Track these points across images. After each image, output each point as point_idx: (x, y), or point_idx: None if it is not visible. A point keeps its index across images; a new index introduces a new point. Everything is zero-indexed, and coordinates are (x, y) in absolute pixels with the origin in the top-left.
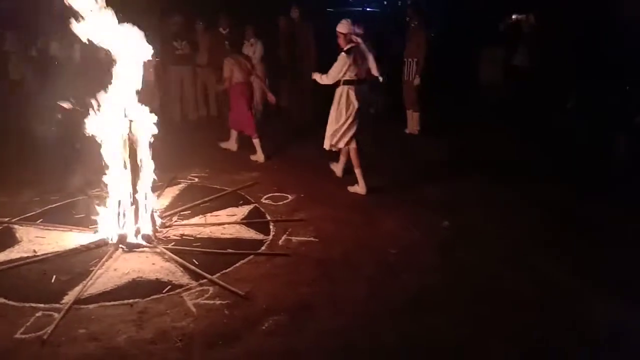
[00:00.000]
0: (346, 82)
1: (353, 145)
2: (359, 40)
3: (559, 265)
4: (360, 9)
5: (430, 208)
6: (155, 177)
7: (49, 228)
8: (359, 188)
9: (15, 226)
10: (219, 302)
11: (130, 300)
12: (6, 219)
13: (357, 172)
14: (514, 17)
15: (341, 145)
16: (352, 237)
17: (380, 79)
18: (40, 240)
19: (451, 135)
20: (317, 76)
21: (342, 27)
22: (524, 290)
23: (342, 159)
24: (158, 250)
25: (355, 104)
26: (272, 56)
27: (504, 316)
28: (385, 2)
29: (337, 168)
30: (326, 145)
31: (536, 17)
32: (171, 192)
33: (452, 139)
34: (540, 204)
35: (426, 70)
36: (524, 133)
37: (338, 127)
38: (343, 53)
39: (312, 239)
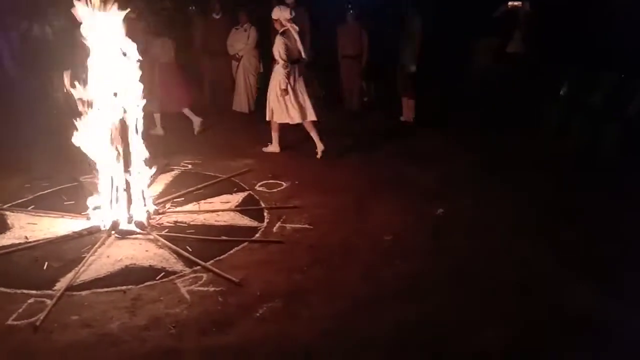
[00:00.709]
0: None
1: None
2: (288, 24)
3: (547, 254)
4: None
5: (423, 195)
6: (148, 164)
7: (41, 214)
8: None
9: (7, 212)
10: (212, 289)
11: (124, 287)
12: None
13: (313, 135)
14: (509, 4)
15: (297, 120)
16: (346, 224)
17: (305, 58)
18: (32, 227)
19: (444, 123)
20: (279, 78)
21: (274, 13)
22: (513, 276)
23: (315, 133)
24: (151, 237)
25: (298, 80)
26: (267, 42)
27: (494, 301)
28: None
29: (319, 146)
30: (276, 120)
31: (531, 4)
32: (164, 178)
33: (446, 126)
34: (530, 193)
35: (421, 58)
36: (515, 121)
37: (293, 101)
38: (279, 35)
39: (306, 225)
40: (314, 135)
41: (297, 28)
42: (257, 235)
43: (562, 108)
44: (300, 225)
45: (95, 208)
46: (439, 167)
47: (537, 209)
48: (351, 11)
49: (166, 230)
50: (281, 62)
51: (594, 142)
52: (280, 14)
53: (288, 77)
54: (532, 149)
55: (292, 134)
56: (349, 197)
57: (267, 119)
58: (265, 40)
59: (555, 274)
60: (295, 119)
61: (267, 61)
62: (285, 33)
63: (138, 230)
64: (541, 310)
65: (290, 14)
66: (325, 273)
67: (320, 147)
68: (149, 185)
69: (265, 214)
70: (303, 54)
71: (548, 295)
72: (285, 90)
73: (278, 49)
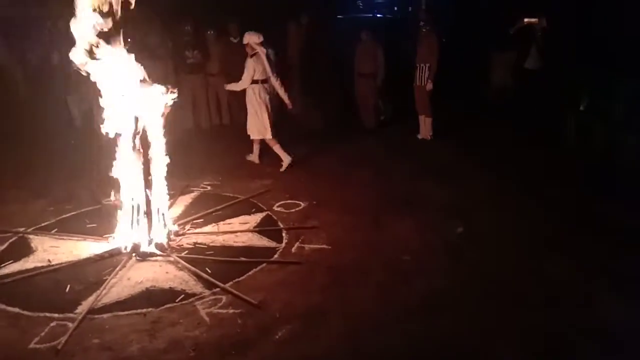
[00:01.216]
0: (255, 82)
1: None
2: (258, 48)
3: (569, 268)
4: (370, 15)
5: (442, 212)
6: (168, 186)
7: (64, 237)
8: (253, 157)
9: (30, 236)
10: (232, 311)
11: (144, 310)
12: (21, 229)
13: (277, 147)
14: (525, 20)
15: (269, 136)
16: (364, 243)
17: (275, 80)
18: (55, 250)
19: (462, 139)
20: (232, 86)
21: (245, 38)
22: (535, 293)
23: (257, 147)
24: (171, 259)
25: (266, 98)
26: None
27: (514, 319)
28: (395, 8)
29: (254, 157)
30: (257, 136)
31: (548, 20)
32: (184, 200)
33: (464, 143)
34: (551, 207)
35: (438, 75)
36: (535, 136)
37: (263, 119)
38: (249, 58)
39: (324, 246)
40: (277, 149)
41: (264, 51)
42: (276, 256)
43: (582, 120)
44: (318, 246)
45: (116, 231)
46: (457, 183)
47: (558, 223)
48: (367, 32)
49: (186, 252)
50: (240, 85)
51: (614, 153)
52: (250, 39)
53: (259, 96)
54: (552, 163)
55: (312, 153)
56: (367, 216)
57: (251, 137)
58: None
59: (581, 289)
60: (270, 133)
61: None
62: (255, 56)
63: (158, 252)
64: (567, 326)
65: (259, 38)
66: (344, 294)
67: (286, 160)
68: (169, 207)
69: (283, 234)
70: (271, 75)
71: (572, 311)
72: (261, 108)
73: (249, 70)
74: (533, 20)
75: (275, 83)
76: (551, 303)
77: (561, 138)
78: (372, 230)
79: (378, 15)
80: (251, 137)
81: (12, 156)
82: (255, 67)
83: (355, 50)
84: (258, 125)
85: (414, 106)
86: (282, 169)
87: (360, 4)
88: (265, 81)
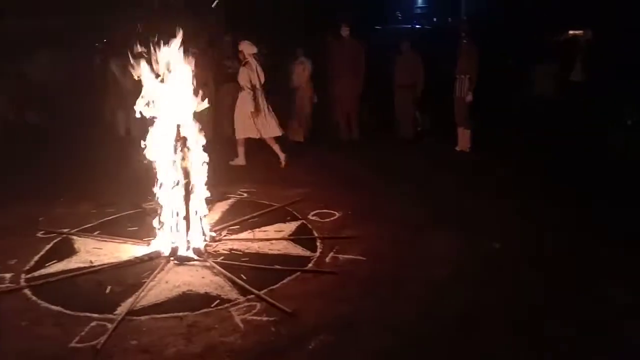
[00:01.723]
0: (253, 88)
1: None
2: (250, 57)
3: (618, 286)
4: (409, 26)
5: (480, 227)
6: (207, 192)
7: (106, 239)
8: (239, 161)
9: (74, 237)
10: (266, 318)
11: (180, 314)
12: (65, 230)
13: (275, 148)
14: (570, 32)
15: (263, 135)
16: (400, 256)
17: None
18: (97, 251)
19: (503, 152)
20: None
21: (241, 46)
22: (584, 313)
23: (277, 146)
24: (208, 264)
25: (261, 102)
26: (321, 74)
27: (559, 337)
28: (434, 19)
29: (281, 156)
30: (242, 135)
31: (593, 32)
32: (221, 207)
33: (504, 155)
34: (597, 225)
35: (478, 87)
36: (579, 150)
37: (260, 120)
38: (242, 67)
39: (359, 257)
40: (276, 148)
41: (255, 61)
42: (310, 265)
43: (628, 134)
44: (353, 257)
45: (156, 234)
46: (497, 198)
47: (605, 240)
48: (407, 43)
49: (222, 258)
50: (246, 89)
51: None
52: (245, 48)
53: (254, 100)
54: (596, 178)
55: (348, 163)
56: (403, 228)
57: (237, 137)
58: (321, 72)
59: (628, 306)
60: (262, 134)
61: (320, 92)
62: (247, 64)
63: (195, 257)
64: (614, 350)
65: (253, 49)
66: (378, 306)
67: (282, 156)
68: (207, 213)
69: (318, 243)
70: (261, 81)
71: (626, 332)
72: (255, 112)
73: (243, 77)
74: (578, 32)
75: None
76: (602, 324)
77: (607, 152)
78: (408, 243)
79: (417, 26)
80: (237, 137)
81: (62, 162)
82: (250, 74)
83: (394, 61)
84: (245, 125)
85: (452, 118)
86: (232, 163)
87: (399, 15)
88: (256, 87)
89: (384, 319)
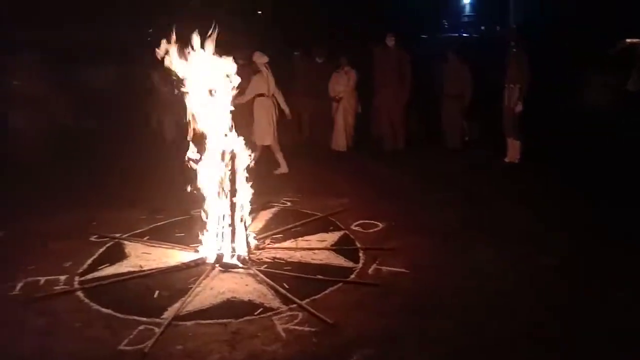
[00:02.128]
0: (260, 95)
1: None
2: (262, 67)
3: None
4: (457, 34)
5: (531, 242)
6: (251, 201)
7: (155, 245)
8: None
9: (125, 242)
10: (307, 328)
11: (225, 320)
12: (117, 235)
13: (279, 155)
14: (627, 41)
15: (270, 142)
16: (445, 269)
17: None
18: (146, 256)
19: (554, 164)
20: (239, 99)
21: (254, 57)
22: (629, 334)
23: (280, 154)
24: (251, 271)
25: (271, 109)
26: (367, 84)
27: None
28: (482, 27)
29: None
30: (266, 142)
31: None
32: (265, 215)
33: (555, 168)
34: None
35: (528, 96)
36: (633, 165)
37: (271, 128)
38: (254, 76)
39: (402, 269)
40: (256, 155)
41: (266, 70)
42: (352, 276)
43: None
44: (396, 269)
45: (202, 241)
46: (549, 211)
47: None
48: (454, 52)
49: (265, 266)
50: (243, 98)
51: None
52: (258, 59)
53: (268, 106)
54: None
55: (393, 173)
56: (448, 241)
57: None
58: (365, 82)
59: None
60: (273, 140)
61: (365, 102)
62: (259, 73)
63: (240, 264)
64: None
65: (265, 59)
66: (422, 321)
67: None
68: (251, 221)
69: (360, 254)
70: (271, 89)
71: None
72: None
73: (255, 86)
74: (636, 40)
75: (279, 97)
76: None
77: None
78: (453, 256)
79: (464, 35)
80: (257, 144)
81: (115, 168)
82: (260, 83)
83: (441, 70)
84: (264, 132)
85: (501, 128)
86: (276, 172)
87: (446, 24)
88: (264, 95)
89: (428, 334)
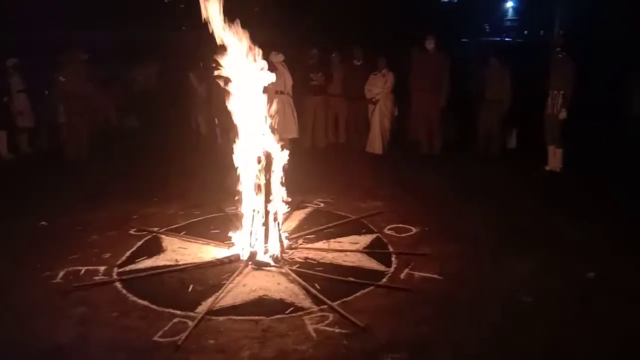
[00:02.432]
0: (279, 92)
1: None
2: (279, 65)
3: None
4: (498, 38)
5: (570, 252)
6: (285, 200)
7: (190, 240)
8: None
9: (162, 236)
10: (338, 330)
11: (256, 317)
12: (155, 229)
13: None
14: None
15: (296, 134)
16: (479, 278)
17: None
18: (182, 251)
19: (597, 172)
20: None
21: (270, 57)
22: None
23: None
24: (283, 270)
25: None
26: (403, 87)
27: None
28: (525, 32)
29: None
30: (292, 135)
31: None
32: (298, 215)
33: (599, 177)
34: None
35: (573, 103)
36: None
37: (294, 121)
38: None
39: (435, 275)
40: None
41: (283, 68)
42: (384, 280)
43: None
44: (429, 275)
45: (236, 238)
46: (590, 221)
47: None
48: (496, 56)
49: (297, 266)
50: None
51: None
52: (274, 58)
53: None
54: None
55: (427, 178)
56: (483, 249)
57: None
58: (403, 85)
59: None
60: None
61: (402, 105)
62: (276, 71)
63: (272, 263)
64: None
65: (281, 58)
66: (455, 330)
67: None
68: (284, 221)
69: (393, 258)
70: (288, 86)
71: None
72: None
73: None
74: None
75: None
76: None
77: None
78: (488, 265)
79: (507, 39)
80: (283, 137)
81: (155, 164)
82: (277, 81)
83: (480, 75)
84: (288, 125)
85: (541, 135)
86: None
87: (487, 27)
88: (282, 92)
89: (460, 343)
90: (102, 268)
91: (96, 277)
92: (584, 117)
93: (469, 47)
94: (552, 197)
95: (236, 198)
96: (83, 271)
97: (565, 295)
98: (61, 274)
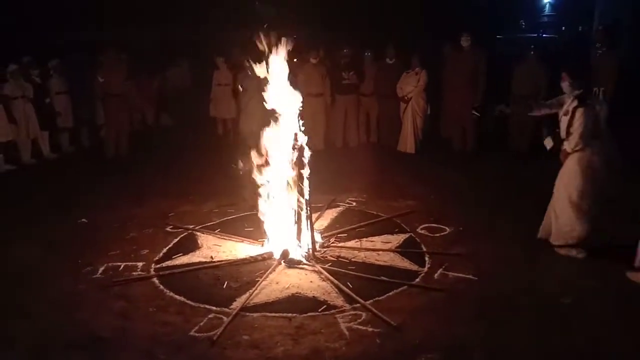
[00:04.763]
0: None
1: None
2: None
3: None
4: (535, 35)
5: (611, 255)
6: (317, 199)
7: (225, 237)
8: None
9: (198, 233)
10: (371, 329)
11: (289, 314)
12: (191, 226)
13: None
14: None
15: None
16: (516, 279)
17: None
18: (217, 248)
19: (635, 172)
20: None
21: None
22: None
23: None
24: (316, 268)
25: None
26: (437, 85)
27: None
28: (563, 28)
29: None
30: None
31: None
32: (330, 214)
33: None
34: None
35: (613, 100)
36: None
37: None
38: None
39: (470, 276)
40: None
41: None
42: (417, 280)
43: None
44: (463, 275)
45: (270, 236)
46: (625, 221)
47: None
48: (532, 52)
49: (329, 264)
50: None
51: None
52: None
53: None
54: None
55: (461, 177)
56: (519, 249)
57: None
58: (436, 83)
59: None
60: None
61: (434, 103)
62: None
63: (305, 261)
64: None
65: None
66: (491, 331)
67: None
68: (316, 219)
69: (426, 258)
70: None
71: None
72: None
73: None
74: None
75: None
76: None
77: None
78: (525, 266)
79: (544, 36)
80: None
81: (191, 163)
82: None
83: (515, 71)
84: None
85: None
86: None
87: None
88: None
89: (497, 345)
90: (140, 264)
91: (134, 273)
92: (625, 114)
93: (505, 43)
94: None
95: (269, 197)
96: (122, 267)
97: (604, 296)
98: (101, 269)
